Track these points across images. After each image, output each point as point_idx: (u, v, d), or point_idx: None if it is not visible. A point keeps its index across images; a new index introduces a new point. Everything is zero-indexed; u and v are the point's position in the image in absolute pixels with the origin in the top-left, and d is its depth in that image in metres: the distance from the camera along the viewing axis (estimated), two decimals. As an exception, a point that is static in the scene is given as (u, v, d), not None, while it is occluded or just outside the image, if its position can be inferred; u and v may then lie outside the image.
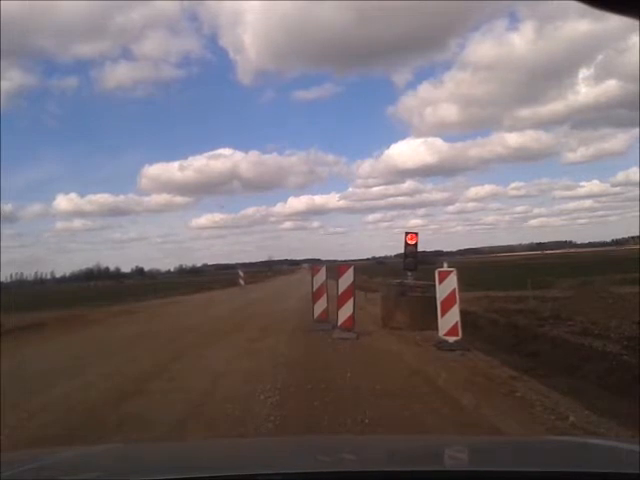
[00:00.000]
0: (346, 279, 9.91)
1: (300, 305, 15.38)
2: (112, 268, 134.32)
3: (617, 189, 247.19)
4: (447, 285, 8.06)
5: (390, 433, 4.21)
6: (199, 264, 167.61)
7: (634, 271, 19.20)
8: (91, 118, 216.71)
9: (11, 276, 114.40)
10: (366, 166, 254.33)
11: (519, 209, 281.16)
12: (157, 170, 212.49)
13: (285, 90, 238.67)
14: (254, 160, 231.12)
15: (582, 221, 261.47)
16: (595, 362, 6.36)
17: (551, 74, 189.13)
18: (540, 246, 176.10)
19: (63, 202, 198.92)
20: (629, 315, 9.22)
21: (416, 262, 10.33)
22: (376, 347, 8.46)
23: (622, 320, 8.85)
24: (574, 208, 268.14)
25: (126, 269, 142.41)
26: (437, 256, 65.53)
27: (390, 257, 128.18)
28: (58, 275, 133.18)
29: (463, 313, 8.40)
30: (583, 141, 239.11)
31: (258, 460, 1.65)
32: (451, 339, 7.82)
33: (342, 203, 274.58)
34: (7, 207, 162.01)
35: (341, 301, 9.75)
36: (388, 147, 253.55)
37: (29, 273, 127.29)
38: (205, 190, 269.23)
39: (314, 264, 17.15)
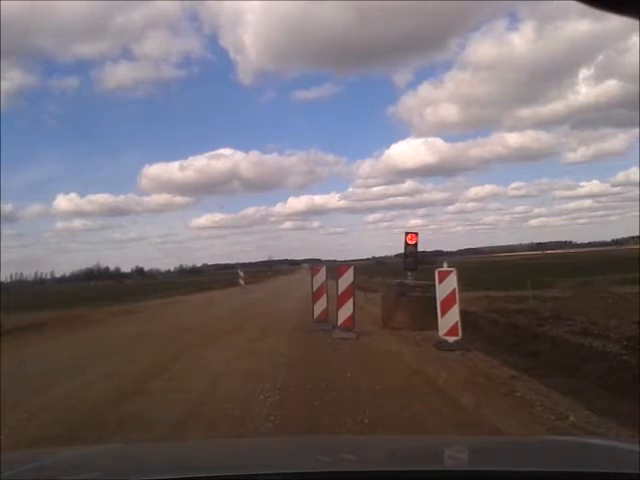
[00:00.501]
0: (346, 279, 9.91)
1: (300, 305, 15.38)
2: (112, 268, 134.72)
3: (617, 189, 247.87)
4: (447, 285, 8.06)
5: (390, 433, 4.21)
6: (199, 264, 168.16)
7: (634, 271, 19.19)
8: (91, 118, 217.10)
9: (11, 276, 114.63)
10: (366, 166, 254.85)
11: (519, 209, 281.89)
12: (157, 170, 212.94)
13: (285, 90, 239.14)
14: (254, 160, 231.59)
15: (582, 221, 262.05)
16: (595, 362, 6.36)
17: (551, 74, 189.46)
18: (540, 246, 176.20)
19: (63, 202, 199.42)
20: (629, 315, 9.21)
21: (416, 262, 10.33)
22: (376, 347, 8.46)
23: (622, 320, 8.84)
24: (574, 208, 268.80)
25: (126, 269, 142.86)
26: (437, 256, 65.53)
27: (390, 257, 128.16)
28: (58, 275, 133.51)
29: (463, 313, 8.40)
30: (583, 141, 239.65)
31: (258, 460, 1.65)
32: (451, 339, 7.82)
33: (342, 203, 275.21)
34: (7, 207, 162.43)
35: (341, 301, 9.75)
36: (388, 147, 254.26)
37: (29, 273, 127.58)
38: (205, 190, 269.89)
39: (314, 264, 17.14)
